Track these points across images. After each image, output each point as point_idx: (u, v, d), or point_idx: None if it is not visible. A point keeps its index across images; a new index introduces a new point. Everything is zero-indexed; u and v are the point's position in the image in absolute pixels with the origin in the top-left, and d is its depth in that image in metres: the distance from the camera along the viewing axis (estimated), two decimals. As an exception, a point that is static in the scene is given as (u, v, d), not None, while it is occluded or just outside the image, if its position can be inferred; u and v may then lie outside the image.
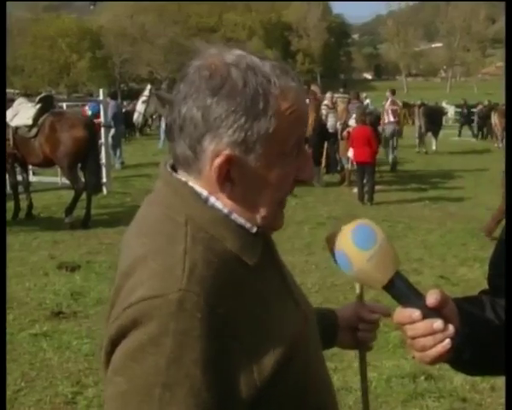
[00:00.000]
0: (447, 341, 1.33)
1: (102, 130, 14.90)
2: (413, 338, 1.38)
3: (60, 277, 7.98)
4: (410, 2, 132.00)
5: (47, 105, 11.39)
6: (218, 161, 1.23)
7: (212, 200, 1.29)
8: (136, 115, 15.13)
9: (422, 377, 5.02)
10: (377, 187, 14.25)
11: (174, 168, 1.35)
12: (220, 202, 1.29)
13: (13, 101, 11.76)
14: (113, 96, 26.29)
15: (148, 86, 15.16)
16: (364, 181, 13.79)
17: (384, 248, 1.35)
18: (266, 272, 1.36)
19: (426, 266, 8.50)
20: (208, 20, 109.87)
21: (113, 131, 18.61)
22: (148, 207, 1.36)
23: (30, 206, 11.83)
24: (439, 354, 1.35)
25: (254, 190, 1.29)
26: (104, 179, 14.03)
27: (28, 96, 12.98)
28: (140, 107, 14.72)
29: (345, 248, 1.35)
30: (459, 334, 1.37)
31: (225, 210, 1.29)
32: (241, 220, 1.30)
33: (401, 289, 1.37)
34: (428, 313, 1.34)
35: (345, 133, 15.02)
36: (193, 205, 1.28)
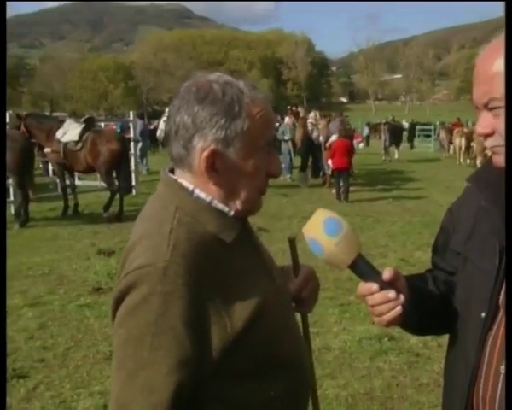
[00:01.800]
0: (399, 307, 1.38)
1: (132, 143, 14.87)
2: (372, 306, 1.42)
3: (99, 260, 7.98)
4: (376, 42, 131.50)
5: (89, 125, 11.47)
6: (206, 153, 1.29)
7: (197, 192, 1.34)
8: (159, 132, 15.14)
9: (386, 339, 5.02)
10: (351, 188, 14.22)
11: (172, 172, 1.40)
12: (204, 193, 1.34)
13: (63, 121, 11.78)
14: (141, 116, 26.36)
15: (167, 109, 15.14)
16: (341, 183, 13.77)
17: (348, 235, 1.38)
18: (244, 250, 1.38)
19: (390, 251, 8.48)
20: (216, 55, 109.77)
21: (140, 144, 18.60)
22: (150, 202, 1.41)
23: (76, 204, 11.87)
24: (393, 318, 1.40)
25: (235, 178, 1.33)
26: (133, 183, 14.08)
27: (76, 116, 12.98)
28: (162, 125, 14.73)
29: (317, 236, 1.37)
30: (408, 302, 1.41)
31: (208, 199, 1.34)
32: (220, 206, 1.34)
33: (362, 268, 1.41)
34: (384, 286, 1.39)
35: (327, 145, 14.99)
36: (181, 197, 1.33)
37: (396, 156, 25.69)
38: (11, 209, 11.51)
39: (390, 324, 1.42)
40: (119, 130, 19.02)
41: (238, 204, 1.35)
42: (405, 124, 37.66)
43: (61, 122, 11.80)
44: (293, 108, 20.99)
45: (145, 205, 1.42)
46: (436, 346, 4.88)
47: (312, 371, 1.60)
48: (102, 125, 16.21)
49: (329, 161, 14.30)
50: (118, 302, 1.26)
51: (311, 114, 17.62)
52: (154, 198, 1.40)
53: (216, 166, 1.31)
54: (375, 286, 1.38)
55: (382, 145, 25.95)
